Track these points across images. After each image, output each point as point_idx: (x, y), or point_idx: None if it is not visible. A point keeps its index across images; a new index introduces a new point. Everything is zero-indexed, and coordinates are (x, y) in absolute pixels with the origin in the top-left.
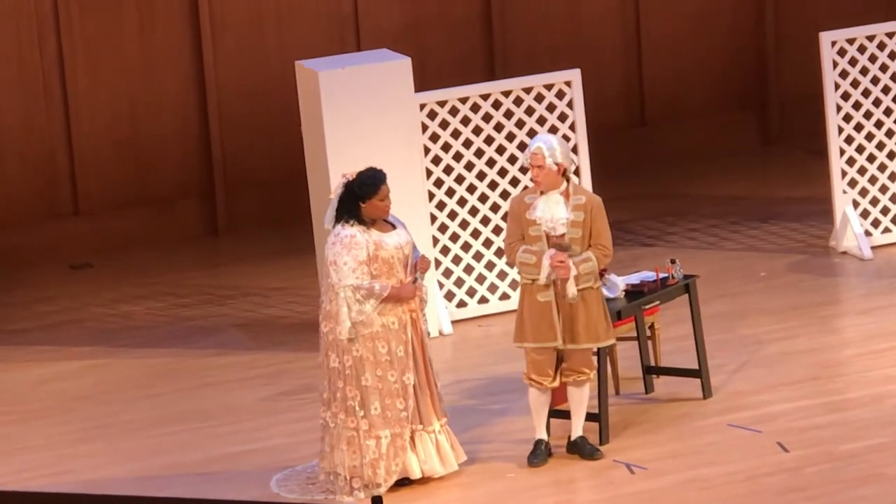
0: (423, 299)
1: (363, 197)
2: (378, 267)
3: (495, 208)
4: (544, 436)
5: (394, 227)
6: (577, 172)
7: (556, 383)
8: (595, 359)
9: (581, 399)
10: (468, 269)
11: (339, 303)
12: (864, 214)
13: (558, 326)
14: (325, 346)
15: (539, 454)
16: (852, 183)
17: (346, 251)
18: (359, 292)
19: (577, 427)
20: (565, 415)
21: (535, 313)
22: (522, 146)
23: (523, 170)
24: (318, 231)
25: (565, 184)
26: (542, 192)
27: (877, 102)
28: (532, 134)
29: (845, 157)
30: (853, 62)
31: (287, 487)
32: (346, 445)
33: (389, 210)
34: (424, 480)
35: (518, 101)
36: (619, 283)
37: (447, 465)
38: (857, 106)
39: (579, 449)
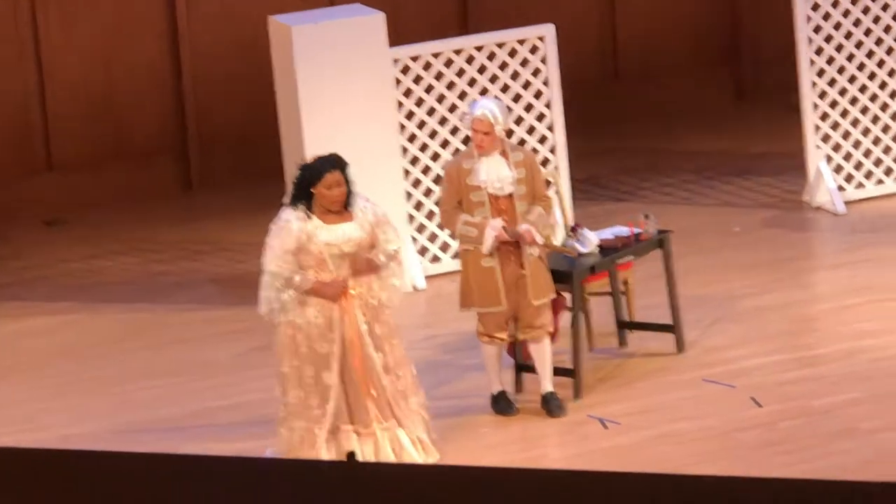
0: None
1: (312, 181)
2: (305, 259)
3: None
4: (502, 387)
5: (348, 219)
6: (551, 128)
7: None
8: (550, 313)
9: (542, 355)
10: (442, 225)
11: (262, 285)
12: (838, 169)
13: (503, 290)
14: None
15: (507, 404)
16: (825, 138)
17: (276, 235)
18: (277, 280)
19: (545, 383)
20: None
21: (480, 278)
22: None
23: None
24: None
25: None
26: (479, 156)
27: (850, 57)
28: (506, 89)
29: (818, 112)
30: (826, 17)
31: None
32: (278, 425)
33: (339, 202)
34: None
35: (491, 56)
36: (593, 237)
37: None
38: (830, 61)
39: (546, 405)
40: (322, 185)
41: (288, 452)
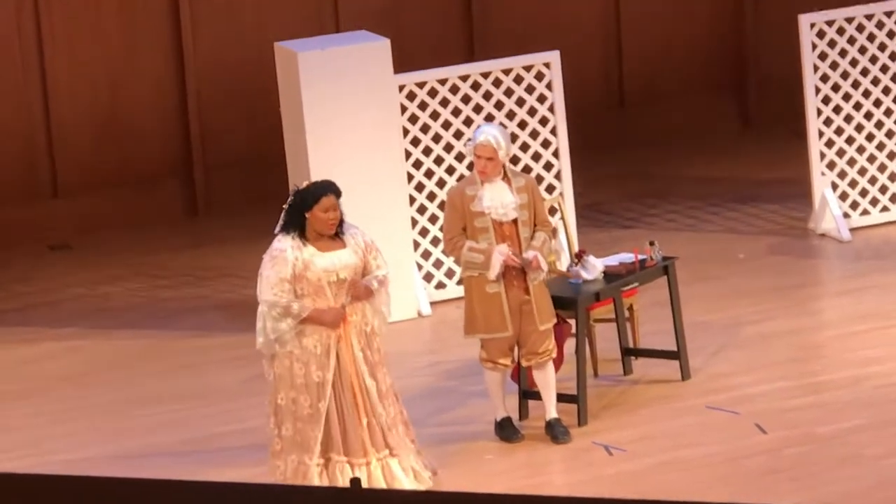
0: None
1: (305, 207)
2: (303, 287)
3: None
4: (507, 413)
5: (342, 246)
6: (556, 154)
7: (512, 363)
8: (553, 339)
9: (546, 380)
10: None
11: (259, 316)
12: (843, 196)
13: (508, 317)
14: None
15: (512, 430)
16: (831, 165)
17: (270, 265)
18: (275, 309)
19: (550, 409)
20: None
21: (485, 305)
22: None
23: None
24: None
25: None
26: (482, 182)
27: (855, 84)
28: (511, 115)
29: (824, 139)
30: (832, 44)
31: None
32: (271, 457)
33: (334, 225)
34: None
35: (497, 83)
36: (598, 264)
37: None
38: (835, 88)
39: (551, 431)
40: (318, 207)
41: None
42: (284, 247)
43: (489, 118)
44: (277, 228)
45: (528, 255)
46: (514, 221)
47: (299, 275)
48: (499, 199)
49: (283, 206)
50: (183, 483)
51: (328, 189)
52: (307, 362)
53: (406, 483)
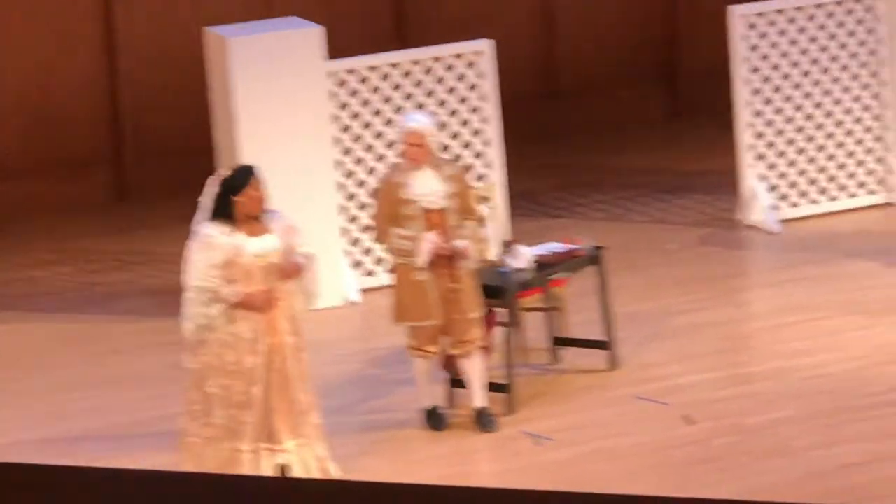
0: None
1: (236, 189)
2: (234, 273)
3: None
4: (434, 401)
5: (267, 231)
6: (487, 143)
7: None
8: (481, 328)
9: (474, 369)
10: (376, 239)
11: (186, 303)
12: (773, 188)
13: (434, 304)
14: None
15: (439, 418)
16: (760, 156)
17: (200, 251)
18: (204, 294)
19: (477, 397)
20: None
21: (413, 292)
22: (432, 115)
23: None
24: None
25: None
26: (412, 170)
27: (785, 76)
28: (442, 103)
29: (753, 130)
30: (763, 35)
31: None
32: (187, 451)
33: (263, 203)
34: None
35: (428, 71)
36: (527, 253)
37: None
38: (765, 80)
39: (478, 419)
40: (251, 187)
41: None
42: (213, 233)
43: (420, 106)
44: (202, 216)
45: (460, 244)
46: (442, 210)
47: (230, 260)
48: (428, 187)
49: (203, 197)
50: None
51: (253, 170)
52: (237, 348)
53: (316, 473)
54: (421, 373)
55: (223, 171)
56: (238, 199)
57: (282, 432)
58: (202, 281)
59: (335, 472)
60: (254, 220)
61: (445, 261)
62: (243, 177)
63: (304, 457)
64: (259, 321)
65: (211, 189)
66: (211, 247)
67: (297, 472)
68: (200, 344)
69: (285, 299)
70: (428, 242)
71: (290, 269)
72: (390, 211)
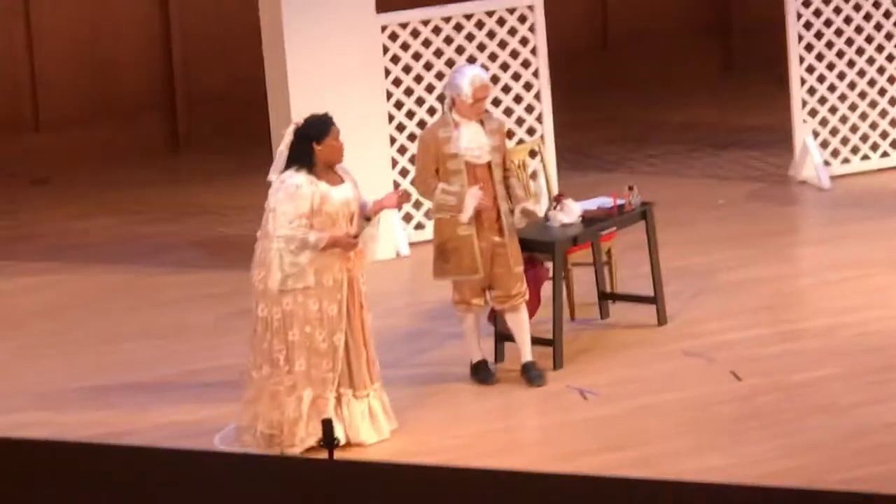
0: (364, 255)
1: (318, 137)
2: (321, 221)
3: None
4: (482, 356)
5: (342, 180)
6: (538, 97)
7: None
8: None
9: (520, 323)
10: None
11: (273, 253)
12: (824, 144)
13: (479, 258)
14: (256, 294)
15: (487, 373)
16: (812, 112)
17: (288, 200)
18: (293, 243)
19: (525, 352)
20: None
21: (457, 246)
22: (484, 69)
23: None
24: (277, 151)
25: None
26: (455, 124)
27: (839, 32)
28: (494, 58)
29: (806, 86)
30: None
31: (228, 444)
32: (269, 399)
33: (342, 153)
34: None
35: (480, 25)
36: (576, 208)
37: (378, 431)
38: (819, 35)
39: (526, 374)
40: (331, 136)
41: (295, 421)
42: (300, 182)
43: (471, 60)
44: (275, 172)
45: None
46: (488, 164)
47: (317, 209)
48: (475, 141)
49: (283, 146)
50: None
51: (332, 120)
52: (320, 297)
53: (382, 421)
54: (468, 327)
55: (300, 120)
56: (319, 147)
57: (363, 378)
58: (291, 230)
59: (394, 423)
60: (330, 170)
61: (487, 215)
62: (324, 126)
63: (382, 401)
64: (341, 270)
65: (288, 138)
66: (299, 196)
67: (378, 414)
68: (283, 293)
69: (362, 248)
70: (472, 197)
71: (391, 201)
72: (434, 166)
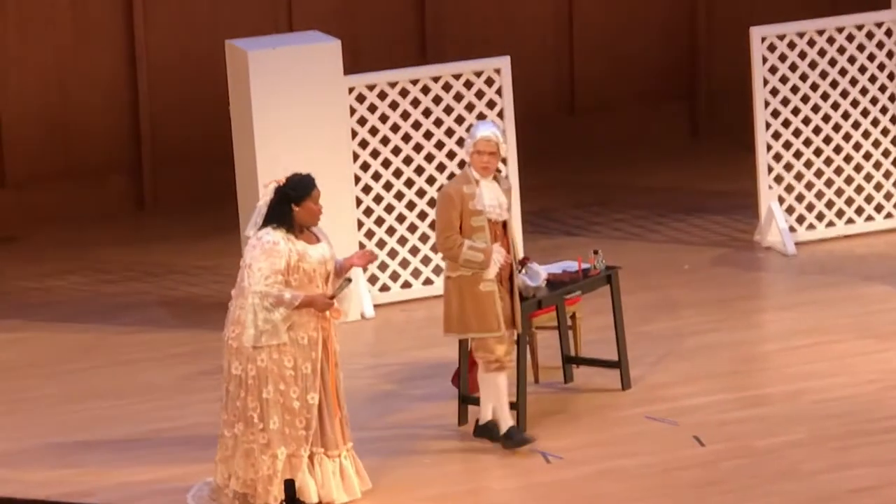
0: (339, 313)
1: (297, 199)
2: (298, 278)
3: (421, 193)
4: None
5: (318, 239)
6: (504, 161)
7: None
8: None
9: (503, 386)
10: (392, 254)
11: (247, 309)
12: (790, 210)
13: (501, 315)
14: (229, 352)
15: (521, 437)
16: (778, 178)
17: (264, 256)
18: (267, 299)
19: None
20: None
21: (479, 303)
22: (450, 132)
23: (450, 155)
24: (244, 211)
25: None
26: (476, 181)
27: (805, 99)
28: (460, 120)
29: (772, 152)
30: (783, 58)
31: (200, 502)
32: (243, 457)
33: (319, 217)
34: None
35: (447, 87)
36: (541, 272)
37: (349, 491)
38: (785, 102)
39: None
40: (311, 199)
41: (269, 479)
42: (277, 239)
43: (438, 122)
44: (252, 228)
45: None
46: (505, 222)
47: (294, 266)
48: (496, 199)
49: (262, 203)
50: None
51: (313, 182)
52: (295, 355)
53: (354, 481)
54: (499, 387)
55: (281, 179)
56: (298, 209)
57: (336, 437)
58: (266, 286)
59: (368, 484)
60: (307, 229)
61: (504, 273)
62: (306, 189)
63: (355, 460)
64: (315, 329)
65: (269, 195)
66: (276, 253)
67: (350, 474)
68: (257, 350)
69: (337, 307)
70: (499, 254)
71: (363, 259)
72: (458, 222)
